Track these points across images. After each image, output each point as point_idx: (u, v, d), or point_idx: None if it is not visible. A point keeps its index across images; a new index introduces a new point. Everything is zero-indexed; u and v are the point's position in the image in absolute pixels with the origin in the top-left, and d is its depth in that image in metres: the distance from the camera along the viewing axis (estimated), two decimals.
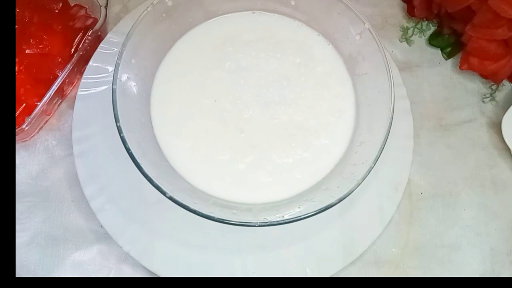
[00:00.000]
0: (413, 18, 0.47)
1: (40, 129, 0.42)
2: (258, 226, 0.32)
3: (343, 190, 0.33)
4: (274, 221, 0.32)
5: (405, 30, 0.47)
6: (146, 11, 0.37)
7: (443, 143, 0.43)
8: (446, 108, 0.45)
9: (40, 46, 0.41)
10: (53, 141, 0.42)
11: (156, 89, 0.39)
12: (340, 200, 0.33)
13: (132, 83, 0.37)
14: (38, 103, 0.39)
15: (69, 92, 0.43)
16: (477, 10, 0.41)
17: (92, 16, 0.43)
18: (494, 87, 0.45)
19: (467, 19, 0.42)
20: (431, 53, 0.47)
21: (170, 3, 0.38)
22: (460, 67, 0.44)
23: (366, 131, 0.38)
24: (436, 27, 0.47)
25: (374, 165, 0.34)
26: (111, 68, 0.40)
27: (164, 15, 0.38)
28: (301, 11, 0.41)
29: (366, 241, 0.38)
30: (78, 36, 0.42)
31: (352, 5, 0.38)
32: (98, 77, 0.41)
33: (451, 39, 0.46)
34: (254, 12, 0.42)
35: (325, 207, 0.32)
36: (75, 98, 0.40)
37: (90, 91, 0.40)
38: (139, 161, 0.32)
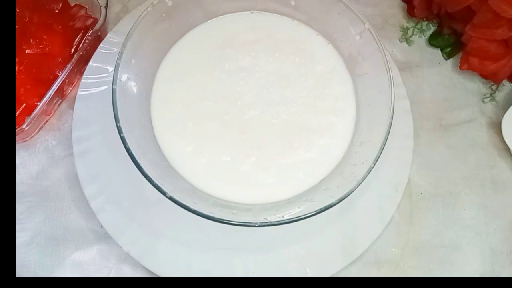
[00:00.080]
0: (413, 18, 0.47)
1: (40, 129, 0.42)
2: (258, 226, 0.32)
3: (343, 190, 0.33)
4: (274, 221, 0.32)
5: (405, 30, 0.47)
6: (146, 11, 0.37)
7: (443, 143, 0.43)
8: (446, 108, 0.45)
9: (40, 46, 0.41)
10: (53, 141, 0.42)
11: (156, 89, 0.39)
12: (340, 200, 0.33)
13: (132, 83, 0.37)
14: (38, 103, 0.39)
15: (69, 92, 0.43)
16: (477, 10, 0.41)
17: (92, 16, 0.43)
18: (494, 87, 0.45)
19: (467, 19, 0.42)
20: (431, 53, 0.47)
21: (170, 3, 0.38)
22: (460, 67, 0.44)
23: (366, 131, 0.38)
24: (436, 27, 0.47)
25: (374, 165, 0.34)
26: (111, 68, 0.40)
27: (164, 15, 0.38)
28: (301, 11, 0.41)
29: (366, 241, 0.38)
30: (78, 36, 0.42)
31: (352, 5, 0.38)
32: (98, 77, 0.41)
33: (451, 39, 0.46)
34: (252, 12, 0.42)
35: (325, 207, 0.32)
36: (75, 98, 0.40)
37: (90, 91, 0.40)
38: (139, 161, 0.32)
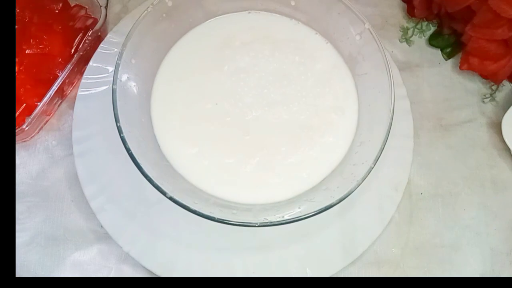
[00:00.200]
0: (413, 18, 0.47)
1: (40, 129, 0.42)
2: (258, 226, 0.32)
3: (343, 190, 0.33)
4: (274, 221, 0.32)
5: (405, 30, 0.47)
6: (146, 11, 0.37)
7: (443, 143, 0.44)
8: (446, 108, 0.45)
9: (40, 46, 0.41)
10: (53, 141, 0.42)
11: (156, 89, 0.39)
12: (340, 200, 0.33)
13: (132, 83, 0.37)
14: (38, 103, 0.39)
15: (69, 92, 0.43)
16: (477, 10, 0.41)
17: (92, 16, 0.43)
18: (494, 87, 0.45)
19: (467, 19, 0.42)
20: (431, 53, 0.47)
21: (170, 3, 0.38)
22: (460, 67, 0.44)
23: (366, 131, 0.38)
24: (436, 27, 0.47)
25: (374, 165, 0.34)
26: (111, 68, 0.40)
27: (164, 15, 0.38)
28: (301, 11, 0.41)
29: (366, 241, 0.38)
30: (78, 36, 0.42)
31: (352, 5, 0.38)
32: (98, 77, 0.41)
33: (451, 39, 0.46)
34: (249, 12, 0.42)
35: (325, 207, 0.32)
36: (75, 98, 0.40)
37: (90, 91, 0.40)
38: (139, 161, 0.32)
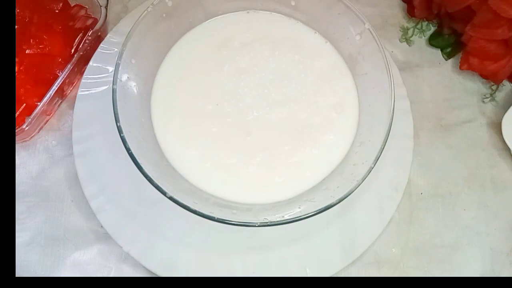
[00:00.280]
0: (413, 18, 0.47)
1: (40, 129, 0.42)
2: (258, 226, 0.32)
3: (343, 190, 0.33)
4: (274, 221, 0.32)
5: (405, 30, 0.47)
6: (146, 11, 0.37)
7: (443, 143, 0.44)
8: (446, 108, 0.45)
9: (40, 46, 0.41)
10: (53, 141, 0.42)
11: (156, 89, 0.39)
12: (340, 200, 0.33)
13: (132, 83, 0.37)
14: (38, 103, 0.39)
15: (69, 92, 0.43)
16: (477, 10, 0.41)
17: (92, 16, 0.43)
18: (494, 87, 0.45)
19: (467, 19, 0.42)
20: (431, 53, 0.47)
21: (170, 3, 0.38)
22: (460, 67, 0.44)
23: (366, 131, 0.38)
24: (436, 27, 0.47)
25: (374, 165, 0.34)
26: (111, 68, 0.40)
27: (164, 15, 0.38)
28: (301, 11, 0.41)
29: (366, 241, 0.38)
30: (78, 36, 0.42)
31: (352, 5, 0.38)
32: (98, 77, 0.41)
33: (451, 39, 0.46)
34: (249, 12, 0.42)
35: (325, 207, 0.32)
36: (75, 98, 0.40)
37: (90, 91, 0.40)
38: (139, 161, 0.32)
